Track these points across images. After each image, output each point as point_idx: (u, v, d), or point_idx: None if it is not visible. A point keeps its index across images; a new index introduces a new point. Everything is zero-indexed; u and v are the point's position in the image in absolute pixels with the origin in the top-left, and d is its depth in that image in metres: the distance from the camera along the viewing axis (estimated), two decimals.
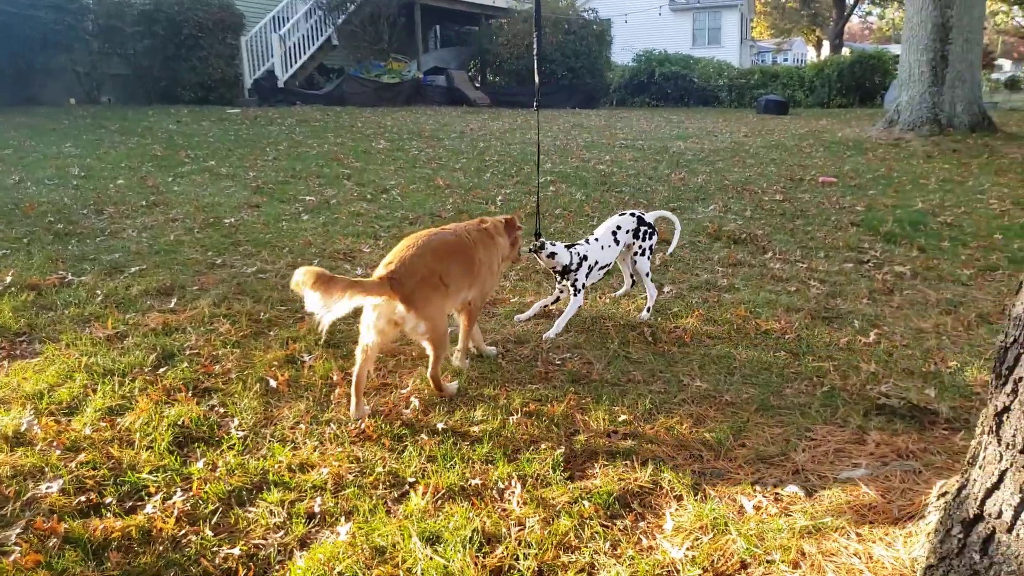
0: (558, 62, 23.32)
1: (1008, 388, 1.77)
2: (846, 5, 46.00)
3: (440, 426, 3.15)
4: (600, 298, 4.82)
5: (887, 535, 2.39)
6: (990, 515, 1.85)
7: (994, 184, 9.02)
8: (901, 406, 3.25)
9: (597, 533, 2.48)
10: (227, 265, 5.25)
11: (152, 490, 2.65)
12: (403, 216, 6.91)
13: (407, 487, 2.73)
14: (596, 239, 4.48)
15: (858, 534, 2.42)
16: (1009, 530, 1.78)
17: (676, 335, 4.22)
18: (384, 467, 2.83)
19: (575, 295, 4.31)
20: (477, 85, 25.06)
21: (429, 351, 3.36)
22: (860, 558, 2.30)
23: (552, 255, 4.25)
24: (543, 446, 3.02)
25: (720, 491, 2.74)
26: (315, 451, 2.94)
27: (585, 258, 4.34)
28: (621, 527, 2.54)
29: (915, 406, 3.25)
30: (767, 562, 2.32)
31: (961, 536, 1.93)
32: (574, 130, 14.56)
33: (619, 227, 4.54)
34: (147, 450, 2.89)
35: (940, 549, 1.99)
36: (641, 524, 2.57)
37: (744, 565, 2.33)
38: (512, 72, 24.22)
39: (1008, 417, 1.78)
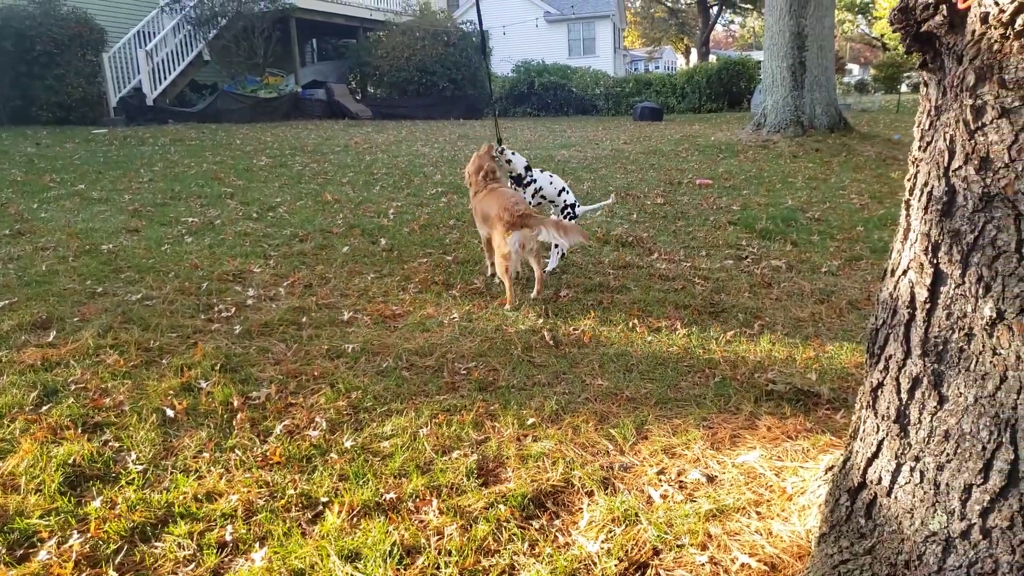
0: (440, 74, 23.44)
1: (880, 366, 1.97)
2: (710, 15, 48.51)
3: (349, 444, 3.12)
4: (504, 306, 4.90)
5: (783, 511, 2.57)
6: (872, 482, 2.04)
7: (853, 180, 9.78)
8: (787, 391, 3.49)
9: (515, 535, 2.54)
10: (109, 293, 4.99)
11: (45, 535, 2.50)
12: (292, 233, 6.77)
13: (321, 507, 2.70)
14: (550, 175, 5.61)
15: (758, 512, 2.59)
16: (888, 494, 1.97)
17: (575, 337, 4.35)
18: (295, 489, 2.78)
19: None
20: (358, 98, 24.81)
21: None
22: (761, 534, 2.47)
23: (508, 161, 5.49)
24: (455, 455, 3.05)
25: (628, 483, 2.86)
26: (221, 479, 2.85)
27: (534, 180, 5.50)
28: (538, 527, 2.61)
29: (800, 390, 3.51)
30: (677, 547, 2.45)
31: (848, 504, 2.12)
32: (460, 141, 14.68)
33: (566, 189, 5.64)
34: (36, 493, 2.72)
35: (831, 518, 2.17)
36: (556, 522, 2.65)
37: (656, 552, 2.44)
38: (393, 84, 24.15)
39: (882, 392, 1.97)
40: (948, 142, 1.66)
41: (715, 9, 49.29)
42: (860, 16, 53.16)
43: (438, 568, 2.37)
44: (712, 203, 8.37)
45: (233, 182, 9.30)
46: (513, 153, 5.55)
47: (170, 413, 3.33)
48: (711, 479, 2.84)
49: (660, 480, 2.86)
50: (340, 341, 4.23)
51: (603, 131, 17.62)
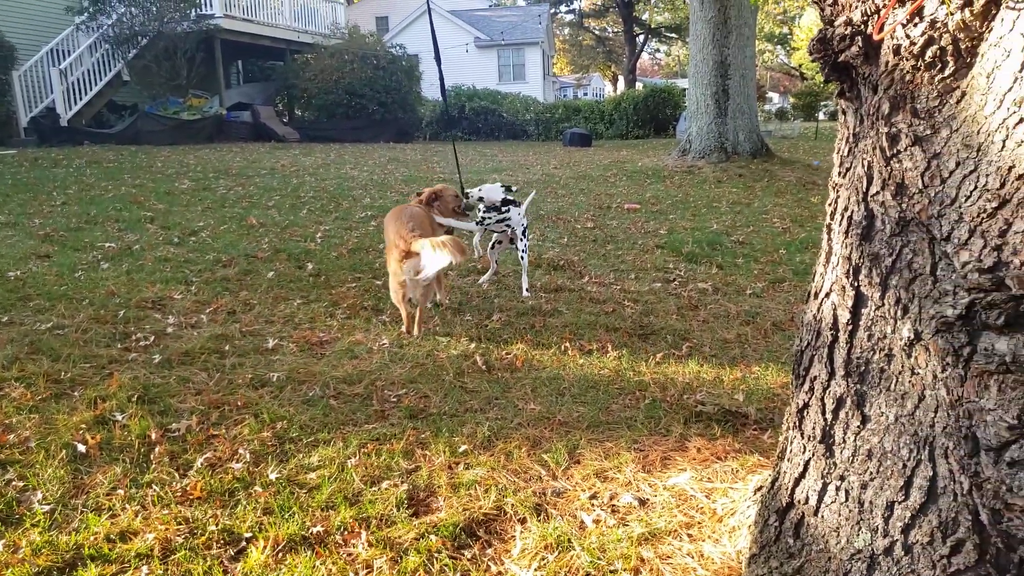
0: (368, 97, 23.30)
1: (806, 387, 2.00)
2: (637, 43, 49.87)
3: (274, 476, 3.01)
4: (433, 330, 4.84)
5: (714, 532, 2.59)
6: (799, 502, 2.06)
7: (775, 205, 10.12)
8: (716, 412, 3.54)
9: (446, 566, 2.48)
10: (16, 323, 4.71)
11: None
12: (215, 258, 6.55)
13: (244, 543, 2.58)
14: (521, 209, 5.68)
15: (689, 535, 2.60)
16: (815, 513, 2.00)
17: (508, 361, 4.32)
18: (217, 525, 2.65)
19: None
20: (285, 121, 24.44)
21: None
22: (693, 557, 2.47)
23: (481, 199, 5.50)
24: (385, 485, 2.97)
25: (561, 509, 2.83)
26: (137, 516, 2.70)
27: (508, 215, 5.60)
28: (469, 556, 2.56)
29: (728, 411, 3.56)
30: (610, 572, 2.43)
31: (777, 524, 2.14)
32: (391, 164, 14.58)
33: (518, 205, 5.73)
34: None
35: (760, 539, 2.19)
36: (489, 551, 2.60)
37: None
38: (322, 107, 23.88)
39: (807, 413, 2.00)
40: (866, 168, 1.71)
41: (641, 38, 50.71)
42: (779, 47, 55.67)
43: None
44: (640, 227, 8.52)
45: (153, 206, 8.98)
46: (480, 188, 5.60)
47: (81, 448, 3.14)
48: (643, 502, 2.84)
49: (593, 505, 2.85)
50: (265, 369, 4.09)
51: (534, 156, 17.80)
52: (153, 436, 3.27)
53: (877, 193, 1.68)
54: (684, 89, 29.39)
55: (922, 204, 1.59)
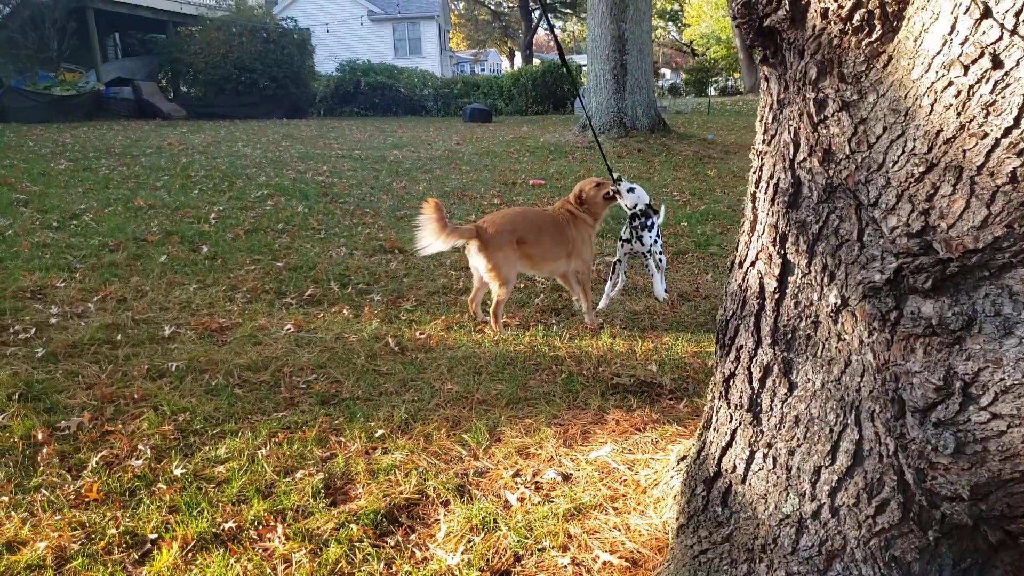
0: (260, 72, 22.34)
1: (732, 356, 2.00)
2: (533, 19, 49.85)
3: (179, 472, 2.81)
4: (342, 312, 4.67)
5: (639, 504, 2.59)
6: (727, 470, 2.07)
7: (674, 178, 10.34)
8: (632, 384, 3.56)
9: (369, 555, 2.38)
10: None
11: None
12: (101, 243, 6.10)
13: (149, 545, 2.40)
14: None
15: (615, 508, 2.59)
16: (743, 481, 2.01)
17: (422, 342, 4.22)
18: (117, 528, 2.45)
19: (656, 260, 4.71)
20: (170, 97, 23.13)
21: (493, 288, 4.44)
22: (620, 530, 2.46)
23: (631, 190, 4.53)
24: (299, 475, 2.83)
25: (484, 489, 2.77)
26: (25, 524, 2.46)
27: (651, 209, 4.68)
28: (393, 544, 2.47)
29: (643, 382, 3.59)
30: (538, 551, 2.40)
31: (704, 494, 2.15)
32: (285, 141, 14.02)
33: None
34: None
35: (688, 509, 2.20)
36: (412, 536, 2.52)
37: (518, 558, 2.37)
38: (209, 82, 22.73)
39: (734, 382, 2.01)
40: (793, 135, 1.70)
41: (537, 13, 50.72)
42: (671, 23, 56.95)
43: None
44: (547, 202, 8.51)
45: (27, 188, 8.28)
46: (632, 189, 4.59)
47: None
48: (566, 477, 2.82)
49: (516, 483, 2.80)
50: (162, 359, 3.83)
51: (434, 132, 17.54)
52: (39, 436, 3.00)
53: (804, 160, 1.68)
54: (581, 65, 29.64)
55: (849, 170, 1.59)
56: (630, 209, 4.59)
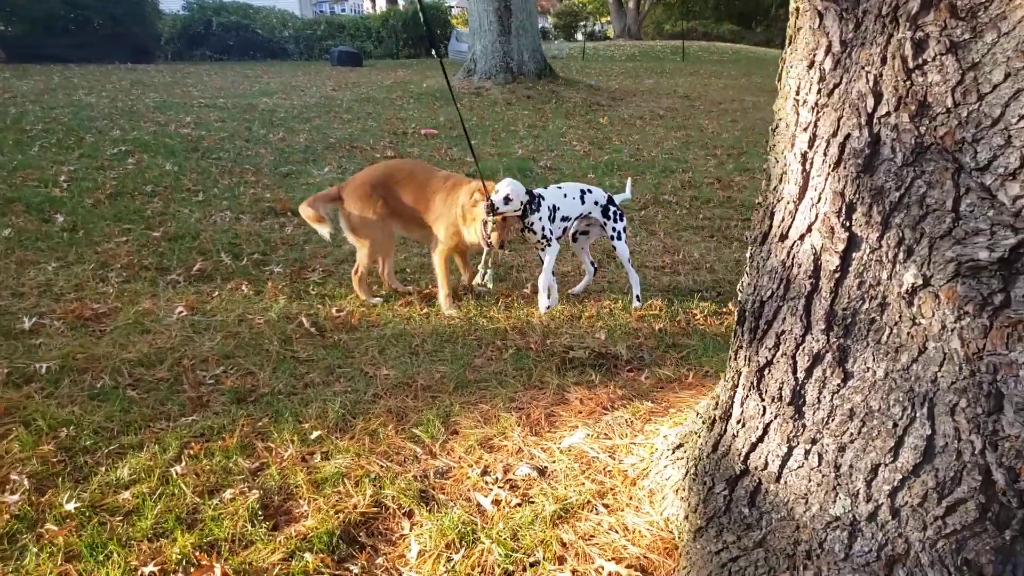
0: (93, 8, 19.96)
1: (769, 343, 1.75)
2: None
3: (72, 506, 2.29)
4: (240, 289, 4.10)
5: (631, 499, 2.34)
6: (756, 468, 1.84)
7: (568, 127, 10.08)
8: (588, 356, 3.30)
9: None
10: None
11: None
12: None
13: None
14: (559, 187, 4.00)
15: (605, 505, 2.33)
16: (777, 480, 1.78)
17: (341, 320, 3.76)
18: None
19: (548, 247, 3.91)
20: None
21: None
22: (618, 532, 2.20)
23: (507, 199, 3.68)
24: (227, 495, 2.39)
25: (450, 493, 2.44)
26: None
27: (541, 198, 3.87)
28: (357, 570, 2.11)
29: (599, 353, 3.33)
30: (531, 565, 2.10)
31: (726, 493, 1.91)
32: (136, 89, 12.59)
33: (590, 191, 4.05)
34: None
35: (706, 510, 1.96)
36: (379, 560, 2.16)
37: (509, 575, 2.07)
38: (34, 20, 20.07)
39: (771, 372, 1.76)
40: (871, 84, 1.42)
41: None
42: None
43: None
44: (444, 154, 8.05)
45: None
46: (506, 190, 3.73)
47: None
48: (543, 472, 2.53)
49: (487, 482, 2.48)
50: (26, 359, 3.18)
51: (304, 77, 16.36)
52: None
53: (888, 115, 1.41)
54: (452, 7, 28.68)
55: (949, 127, 1.33)
56: (517, 212, 3.79)
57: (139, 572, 2.05)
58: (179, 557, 2.10)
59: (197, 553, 2.12)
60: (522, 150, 8.41)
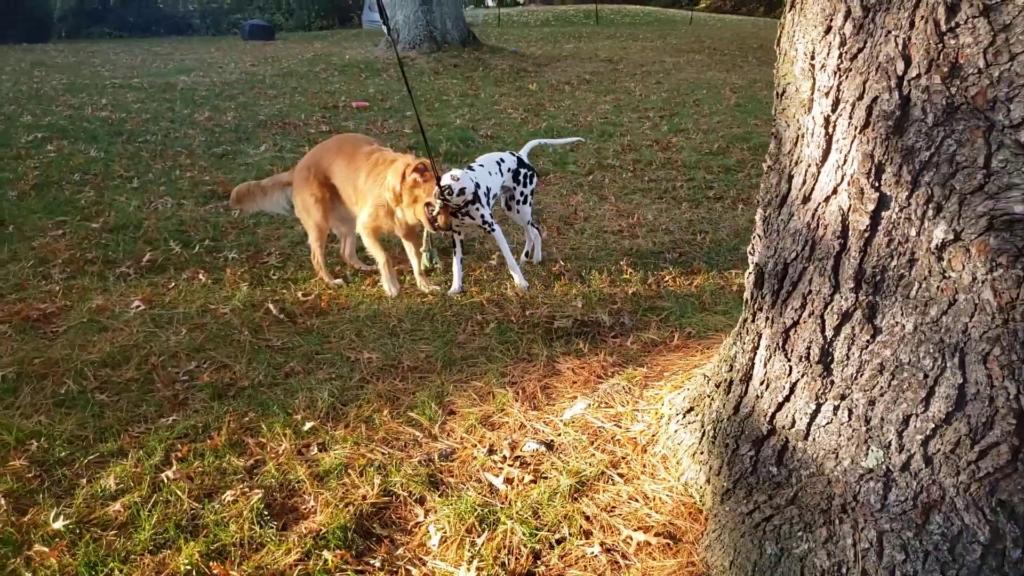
0: None
1: (795, 304, 1.77)
2: None
3: (60, 524, 2.16)
4: (197, 278, 3.92)
5: (645, 466, 2.35)
6: (782, 427, 1.87)
7: (500, 95, 9.97)
8: (571, 325, 3.29)
9: None
10: None
11: None
12: None
13: None
14: (481, 165, 3.83)
15: (620, 475, 2.34)
16: (805, 437, 1.82)
17: (310, 304, 3.65)
18: None
19: (493, 231, 3.77)
20: None
21: None
22: (638, 500, 2.22)
23: (461, 190, 3.59)
24: (227, 497, 2.29)
25: (460, 475, 2.41)
26: None
27: (477, 184, 3.69)
28: (379, 564, 2.06)
29: (582, 322, 3.33)
30: (558, 542, 2.09)
31: (752, 454, 1.94)
32: (38, 70, 11.80)
33: (503, 160, 3.94)
34: None
35: (730, 472, 1.99)
36: (400, 550, 2.12)
37: (536, 555, 2.06)
38: None
39: (797, 332, 1.78)
40: (900, 48, 1.43)
41: None
42: None
43: None
44: (381, 127, 7.86)
45: None
46: (455, 179, 3.62)
47: None
48: (550, 446, 2.52)
49: (495, 462, 2.46)
50: None
51: (217, 53, 15.64)
52: None
53: (918, 77, 1.42)
54: None
55: (980, 87, 1.36)
56: (469, 199, 3.67)
57: None
58: (187, 568, 2.01)
59: (206, 562, 2.03)
60: (459, 120, 8.30)
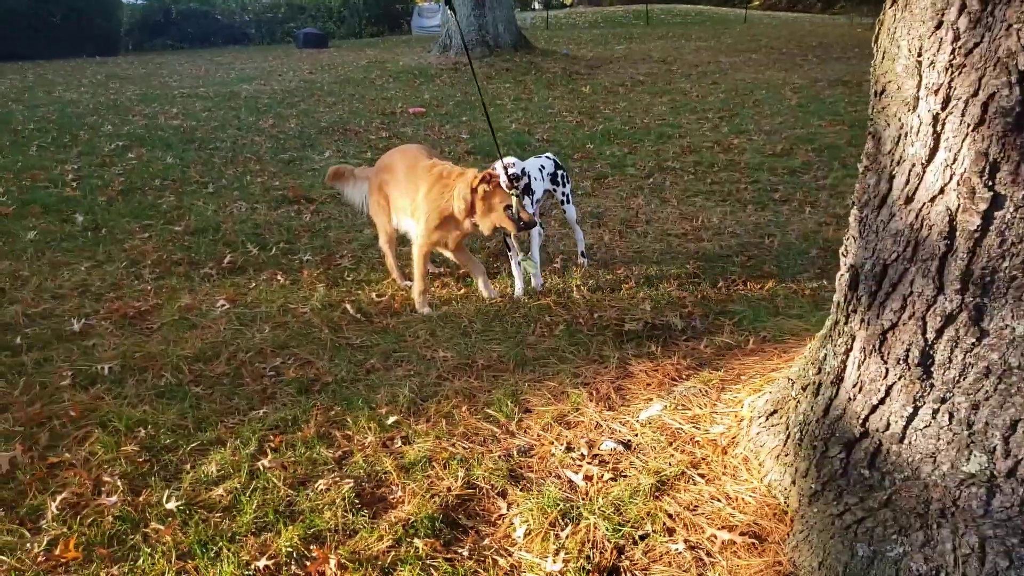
0: (56, 1, 19.32)
1: (894, 306, 1.77)
2: None
3: (172, 504, 2.27)
4: (276, 279, 4.05)
5: (726, 468, 2.37)
6: (876, 430, 1.87)
7: (553, 98, 10.03)
8: (643, 328, 3.32)
9: (447, 573, 2.02)
10: None
11: None
12: None
13: None
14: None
15: (701, 475, 2.35)
16: (900, 440, 1.82)
17: (384, 305, 3.74)
18: None
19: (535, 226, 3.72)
20: None
21: None
22: (720, 500, 2.23)
23: (522, 170, 3.59)
24: (320, 485, 2.38)
25: (539, 471, 2.46)
26: None
27: (529, 175, 3.73)
28: (467, 553, 2.11)
29: (653, 325, 3.35)
30: (641, 538, 2.12)
31: (843, 456, 1.94)
32: (113, 82, 12.29)
33: (543, 166, 4.00)
34: None
35: (819, 474, 1.99)
36: (486, 541, 2.17)
37: (620, 550, 2.09)
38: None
39: (895, 335, 1.78)
40: (1022, 42, 1.43)
41: None
42: None
43: None
44: (439, 132, 7.98)
45: None
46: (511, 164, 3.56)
47: None
48: (628, 446, 2.55)
49: (573, 459, 2.50)
50: (86, 361, 3.13)
51: (275, 61, 16.05)
52: None
53: None
54: None
55: None
56: (527, 182, 3.68)
57: (252, 567, 2.04)
58: (288, 550, 2.10)
59: (305, 545, 2.11)
60: (515, 124, 8.38)
